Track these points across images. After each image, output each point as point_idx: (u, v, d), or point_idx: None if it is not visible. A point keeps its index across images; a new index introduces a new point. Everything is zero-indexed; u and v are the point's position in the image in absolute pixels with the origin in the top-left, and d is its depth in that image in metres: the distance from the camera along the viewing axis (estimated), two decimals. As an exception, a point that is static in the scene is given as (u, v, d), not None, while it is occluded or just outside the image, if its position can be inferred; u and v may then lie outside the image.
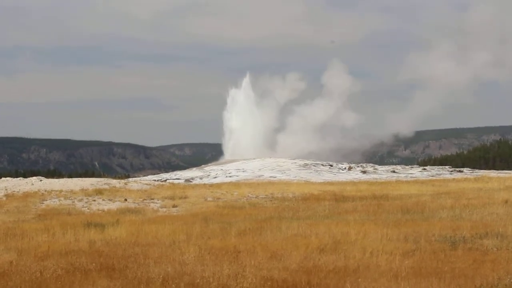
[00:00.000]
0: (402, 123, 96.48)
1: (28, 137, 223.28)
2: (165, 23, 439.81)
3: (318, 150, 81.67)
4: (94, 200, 24.78)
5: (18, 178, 35.05)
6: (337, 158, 72.97)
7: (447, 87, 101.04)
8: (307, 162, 60.17)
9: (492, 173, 52.06)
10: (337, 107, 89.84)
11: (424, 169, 59.09)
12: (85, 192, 27.24)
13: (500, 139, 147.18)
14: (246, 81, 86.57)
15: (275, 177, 47.74)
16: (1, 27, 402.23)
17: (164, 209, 22.39)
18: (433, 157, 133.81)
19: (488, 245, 11.55)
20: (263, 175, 49.76)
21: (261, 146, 79.17)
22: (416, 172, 55.45)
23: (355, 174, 52.49)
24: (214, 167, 60.65)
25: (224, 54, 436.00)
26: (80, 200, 24.78)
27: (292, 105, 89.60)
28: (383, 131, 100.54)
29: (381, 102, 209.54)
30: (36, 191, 27.36)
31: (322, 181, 43.42)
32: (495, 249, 11.26)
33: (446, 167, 62.47)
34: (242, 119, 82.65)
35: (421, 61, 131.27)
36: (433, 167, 63.16)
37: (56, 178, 44.12)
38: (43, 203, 24.14)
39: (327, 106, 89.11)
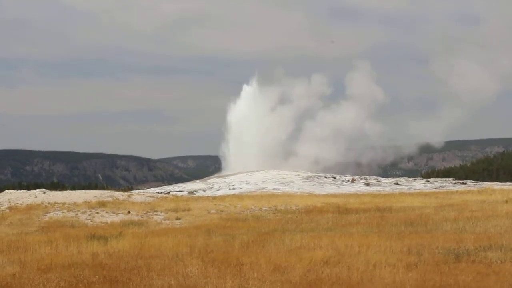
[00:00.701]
0: (431, 133, 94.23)
1: (32, 149, 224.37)
2: (168, 36, 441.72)
3: (338, 161, 78.37)
4: (97, 213, 24.78)
5: (22, 191, 35.12)
6: (354, 170, 71.72)
7: (451, 100, 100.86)
8: (310, 174, 60.17)
9: (496, 185, 51.89)
10: (359, 115, 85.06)
11: (428, 181, 59.05)
12: (88, 204, 27.23)
13: (504, 151, 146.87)
14: (254, 80, 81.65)
15: (278, 190, 47.73)
16: (4, 39, 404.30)
17: (167, 222, 22.37)
18: (436, 169, 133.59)
19: (492, 258, 11.51)
20: (266, 188, 49.76)
21: (271, 157, 75.06)
22: (419, 184, 55.38)
23: (359, 186, 52.46)
24: (217, 180, 60.66)
25: (227, 66, 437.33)
26: (83, 213, 24.78)
27: (309, 112, 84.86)
28: (405, 142, 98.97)
29: (392, 114, 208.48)
30: (39, 204, 27.38)
31: (325, 193, 43.36)
32: (499, 261, 11.21)
33: (450, 179, 62.46)
34: (248, 127, 77.88)
35: (425, 74, 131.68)
36: (437, 179, 63.12)
37: (59, 190, 44.14)
38: (46, 215, 24.16)
39: (348, 114, 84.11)
